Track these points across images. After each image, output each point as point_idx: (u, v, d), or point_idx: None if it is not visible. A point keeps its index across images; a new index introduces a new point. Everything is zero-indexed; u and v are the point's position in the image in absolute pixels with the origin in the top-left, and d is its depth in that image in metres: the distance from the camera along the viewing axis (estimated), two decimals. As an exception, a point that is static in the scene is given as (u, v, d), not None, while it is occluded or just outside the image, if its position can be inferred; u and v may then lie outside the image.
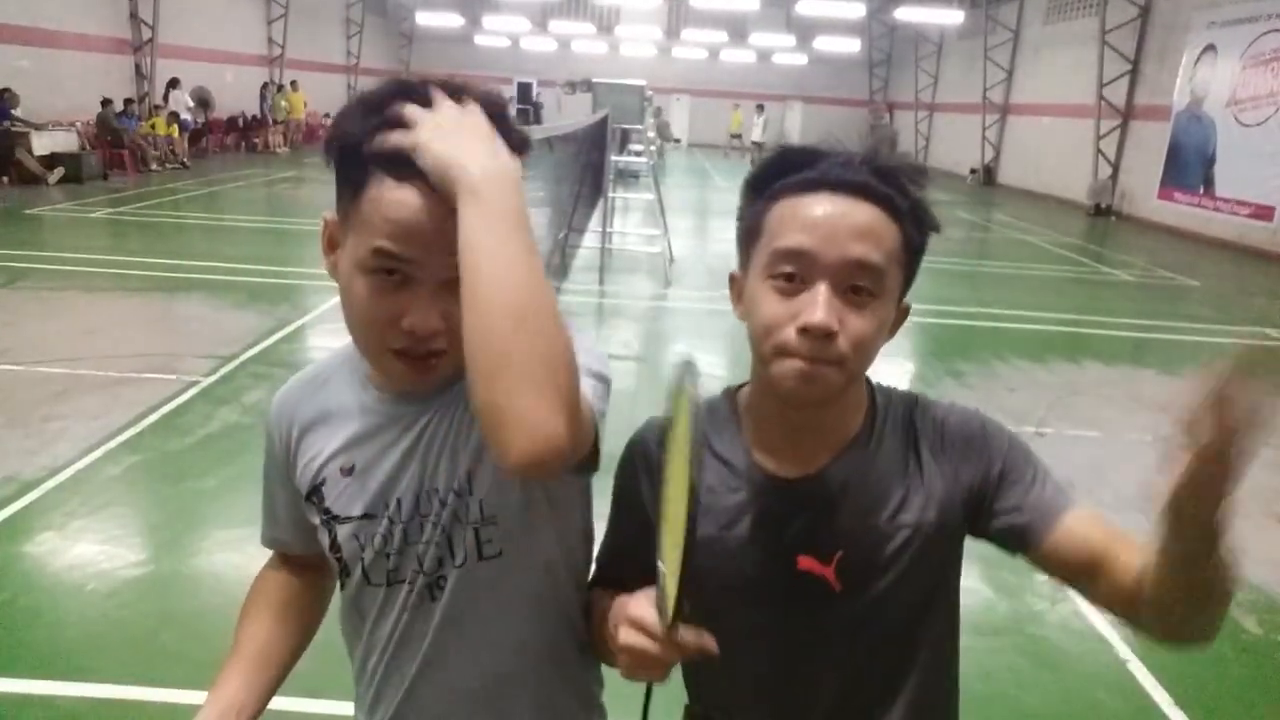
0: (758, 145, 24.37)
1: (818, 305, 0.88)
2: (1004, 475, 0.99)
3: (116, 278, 7.59)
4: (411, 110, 0.85)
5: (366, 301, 0.88)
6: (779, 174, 0.95)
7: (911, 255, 0.97)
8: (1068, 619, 3.30)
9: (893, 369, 6.35)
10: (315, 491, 1.02)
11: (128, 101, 15.89)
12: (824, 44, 27.65)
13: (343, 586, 1.06)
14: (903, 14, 22.46)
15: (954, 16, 21.84)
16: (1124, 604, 0.92)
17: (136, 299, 7.02)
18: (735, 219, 1.01)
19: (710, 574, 0.96)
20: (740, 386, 1.07)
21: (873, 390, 1.05)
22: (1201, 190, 14.59)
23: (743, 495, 1.00)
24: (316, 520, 1.03)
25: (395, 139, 0.84)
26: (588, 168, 8.34)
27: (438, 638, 1.02)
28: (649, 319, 7.62)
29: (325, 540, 1.03)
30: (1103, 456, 4.92)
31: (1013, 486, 0.98)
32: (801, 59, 31.07)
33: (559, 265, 7.10)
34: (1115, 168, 17.43)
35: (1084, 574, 0.95)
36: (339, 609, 1.12)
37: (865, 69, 32.37)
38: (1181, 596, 0.84)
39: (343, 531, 1.01)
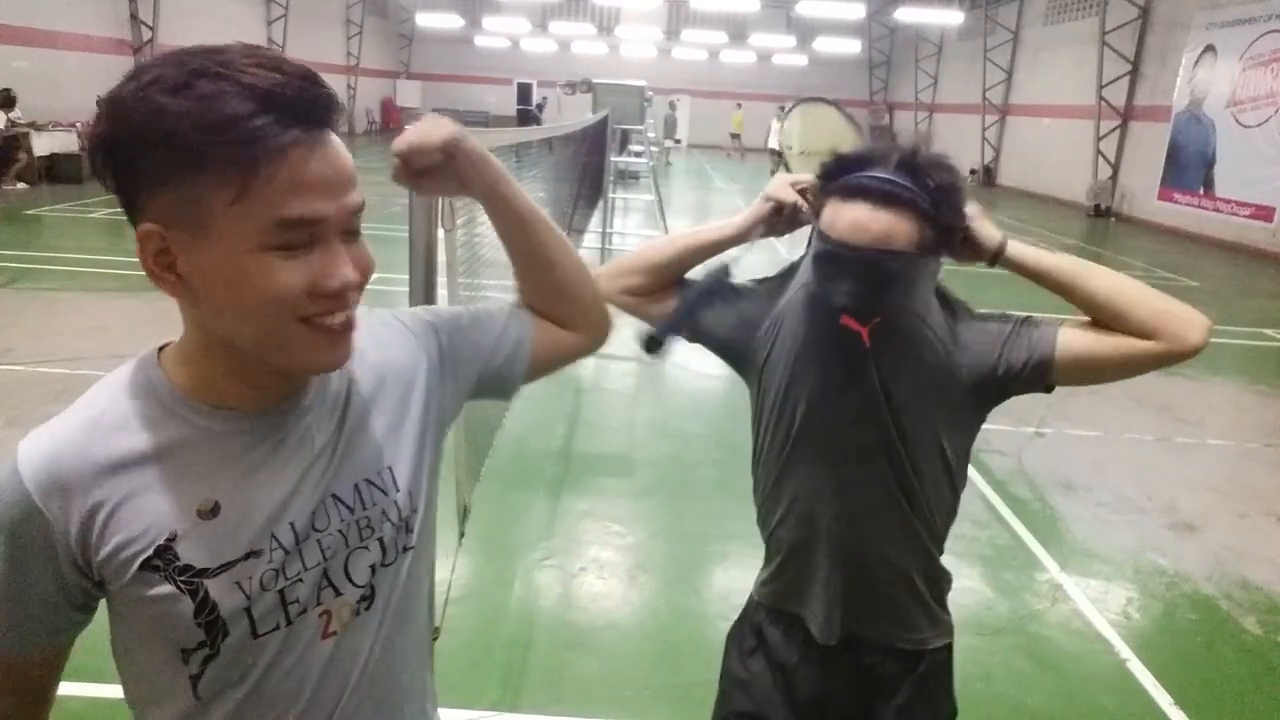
0: (776, 154, 19.65)
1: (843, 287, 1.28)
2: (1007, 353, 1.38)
3: (117, 278, 7.58)
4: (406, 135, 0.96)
5: (275, 279, 0.76)
6: (833, 175, 1.29)
7: (939, 232, 1.27)
8: (1068, 619, 3.30)
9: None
10: (163, 553, 0.81)
11: (128, 102, 15.87)
12: (824, 45, 27.66)
13: (214, 654, 0.84)
14: (903, 15, 22.48)
15: (954, 17, 21.86)
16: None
17: (137, 299, 7.01)
18: None
19: (786, 337, 1.40)
20: None
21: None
22: (1201, 191, 14.59)
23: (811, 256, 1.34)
24: (166, 589, 0.81)
25: (418, 141, 0.94)
26: (588, 168, 8.33)
27: (376, 648, 0.93)
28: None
29: (187, 608, 0.82)
30: (1103, 456, 4.92)
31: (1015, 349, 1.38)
32: (802, 60, 31.07)
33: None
34: (1115, 168, 17.44)
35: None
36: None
37: (865, 70, 32.38)
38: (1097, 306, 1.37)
39: (217, 585, 0.82)
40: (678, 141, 31.40)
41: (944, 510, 1.44)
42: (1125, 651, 3.11)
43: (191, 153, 0.72)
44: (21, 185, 12.51)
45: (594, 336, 1.14)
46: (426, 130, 0.96)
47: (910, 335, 1.29)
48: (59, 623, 0.88)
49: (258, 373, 0.85)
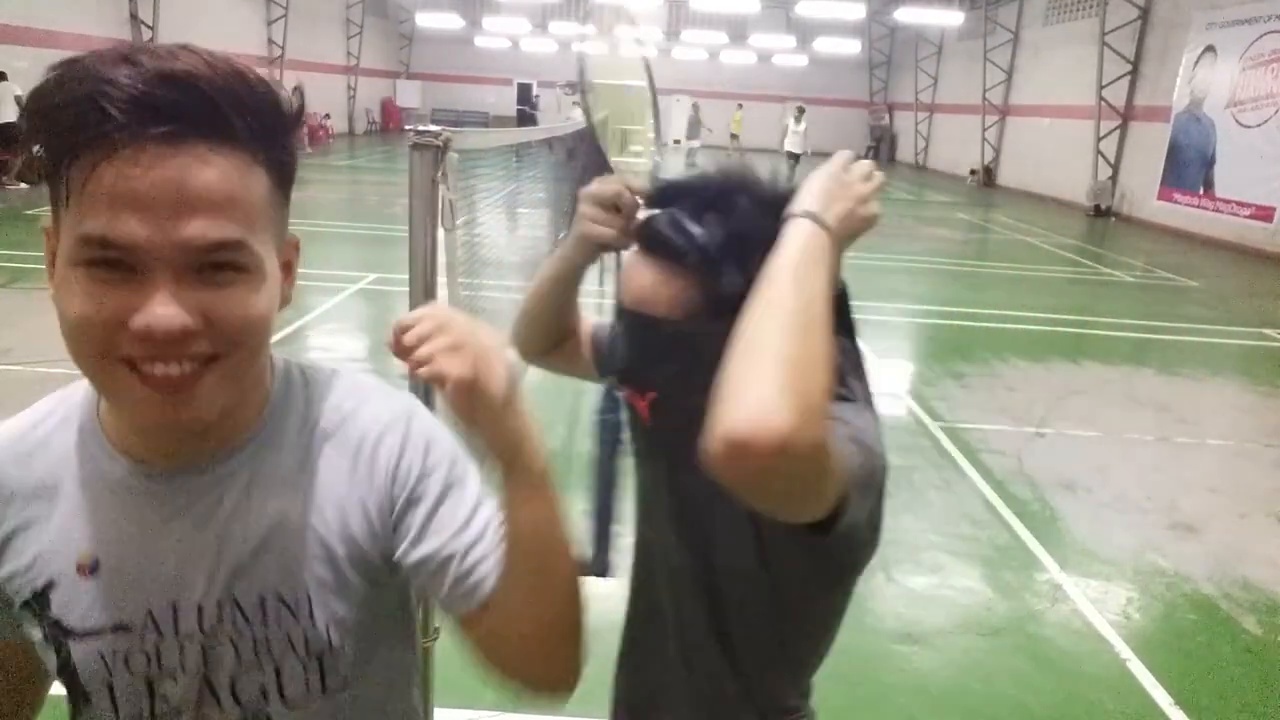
0: (793, 157, 17.88)
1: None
2: None
3: (116, 278, 7.59)
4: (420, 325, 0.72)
5: (77, 303, 0.64)
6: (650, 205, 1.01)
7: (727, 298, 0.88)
8: (1068, 619, 3.30)
9: (892, 370, 6.35)
10: (39, 598, 0.74)
11: (128, 102, 15.91)
12: (824, 45, 27.67)
13: (77, 714, 0.79)
14: (903, 15, 22.48)
15: (954, 18, 21.85)
16: None
17: (136, 299, 7.01)
18: None
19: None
20: None
21: None
22: (1201, 191, 14.59)
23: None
24: (37, 634, 0.75)
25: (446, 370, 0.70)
26: (588, 168, 8.34)
27: None
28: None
29: (51, 660, 0.76)
30: (1103, 456, 4.92)
31: None
32: (802, 60, 31.08)
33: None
34: (1115, 169, 17.44)
35: None
36: None
37: (865, 70, 32.37)
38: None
39: (80, 650, 0.74)
40: (678, 142, 31.42)
41: (767, 653, 1.05)
42: (1125, 651, 3.11)
43: (36, 146, 0.66)
44: (24, 186, 12.51)
45: (539, 686, 0.80)
46: (439, 346, 0.72)
47: (700, 421, 0.94)
48: (7, 622, 0.79)
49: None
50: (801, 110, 18.94)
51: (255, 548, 0.75)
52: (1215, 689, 2.97)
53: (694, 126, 24.70)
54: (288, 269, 0.76)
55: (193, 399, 0.67)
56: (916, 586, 3.44)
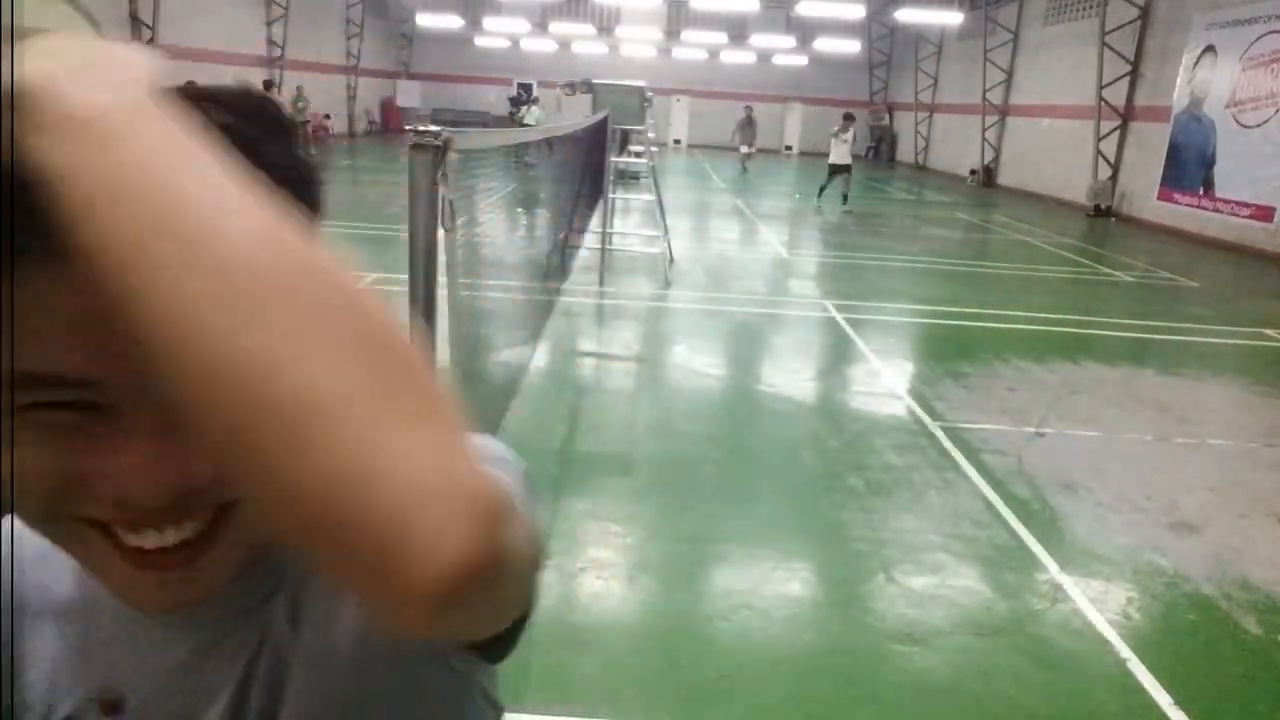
0: (844, 170, 15.56)
1: None
2: None
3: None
4: None
5: (26, 460, 0.43)
6: None
7: None
8: (1068, 618, 3.30)
9: (892, 370, 6.35)
10: None
11: (128, 102, 15.93)
12: (824, 45, 27.71)
13: None
14: (903, 15, 22.51)
15: (954, 18, 21.88)
16: None
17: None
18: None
19: None
20: None
21: None
22: (1201, 191, 14.60)
23: None
24: None
25: None
26: (588, 168, 8.35)
27: None
28: (649, 319, 7.63)
29: None
30: (1103, 456, 4.92)
31: None
32: (801, 60, 31.11)
33: (559, 266, 7.13)
34: (1115, 169, 17.45)
35: None
36: None
37: (865, 70, 32.40)
38: None
39: None
40: (680, 145, 31.43)
41: None
42: (1125, 651, 3.11)
43: None
44: None
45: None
46: None
47: None
48: None
49: None
50: (850, 118, 15.97)
51: (300, 687, 0.57)
52: (1215, 689, 2.97)
53: (745, 130, 22.46)
54: None
55: (198, 574, 0.47)
56: (916, 586, 3.44)
